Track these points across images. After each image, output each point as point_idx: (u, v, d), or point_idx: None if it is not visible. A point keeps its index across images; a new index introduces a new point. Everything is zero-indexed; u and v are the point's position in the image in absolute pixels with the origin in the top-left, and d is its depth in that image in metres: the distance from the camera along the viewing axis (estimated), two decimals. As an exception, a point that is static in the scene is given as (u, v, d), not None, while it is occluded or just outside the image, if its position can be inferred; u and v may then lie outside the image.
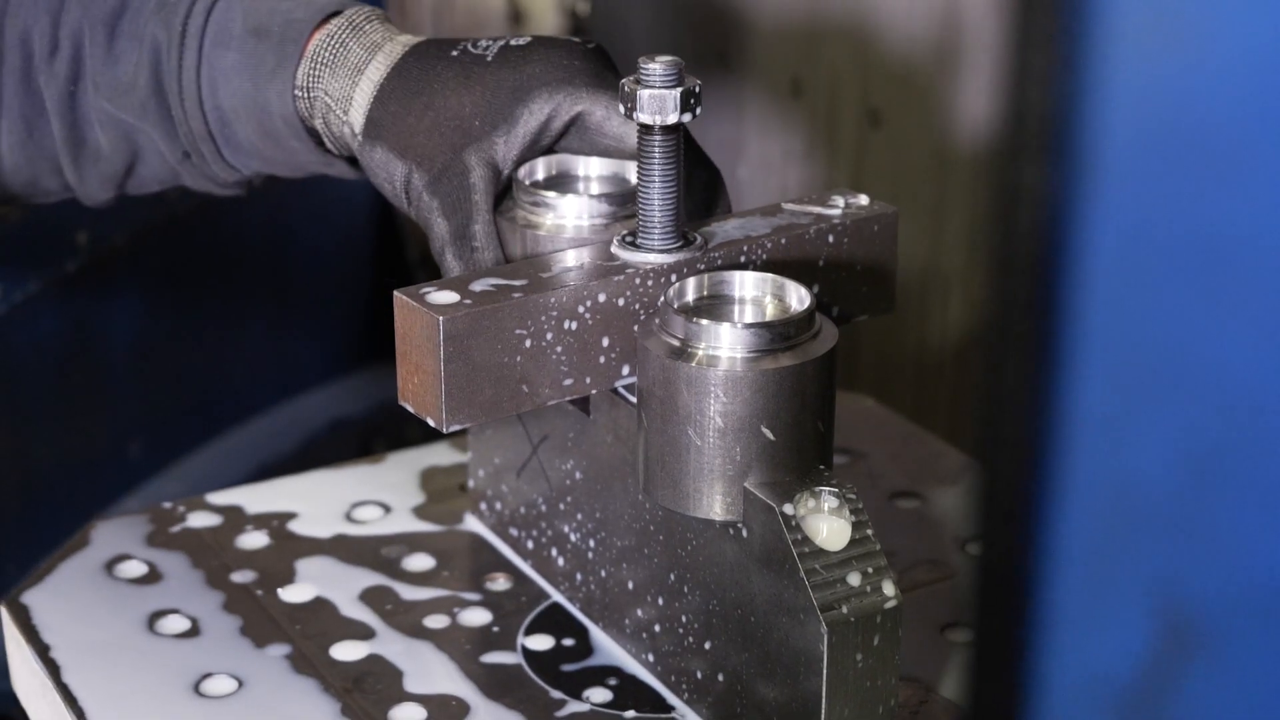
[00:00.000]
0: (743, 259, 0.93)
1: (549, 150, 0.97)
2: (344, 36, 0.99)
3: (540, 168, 0.97)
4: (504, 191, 0.97)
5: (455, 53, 0.98)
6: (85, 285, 1.54)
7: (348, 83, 0.98)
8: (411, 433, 1.86)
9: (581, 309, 0.89)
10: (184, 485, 1.64)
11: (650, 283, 0.90)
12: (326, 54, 0.99)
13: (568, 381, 0.89)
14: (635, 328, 0.90)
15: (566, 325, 0.89)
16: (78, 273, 1.51)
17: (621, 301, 0.90)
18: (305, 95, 0.99)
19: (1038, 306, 0.33)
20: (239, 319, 1.73)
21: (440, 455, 1.18)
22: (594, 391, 0.91)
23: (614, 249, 0.92)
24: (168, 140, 1.03)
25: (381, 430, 1.85)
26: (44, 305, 1.51)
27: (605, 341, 0.90)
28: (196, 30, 1.01)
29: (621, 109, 0.90)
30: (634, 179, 0.93)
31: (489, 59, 0.97)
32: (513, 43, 0.98)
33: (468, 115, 0.96)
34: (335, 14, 1.00)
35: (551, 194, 0.95)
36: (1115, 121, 0.32)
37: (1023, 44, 0.33)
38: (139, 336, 1.62)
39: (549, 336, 0.88)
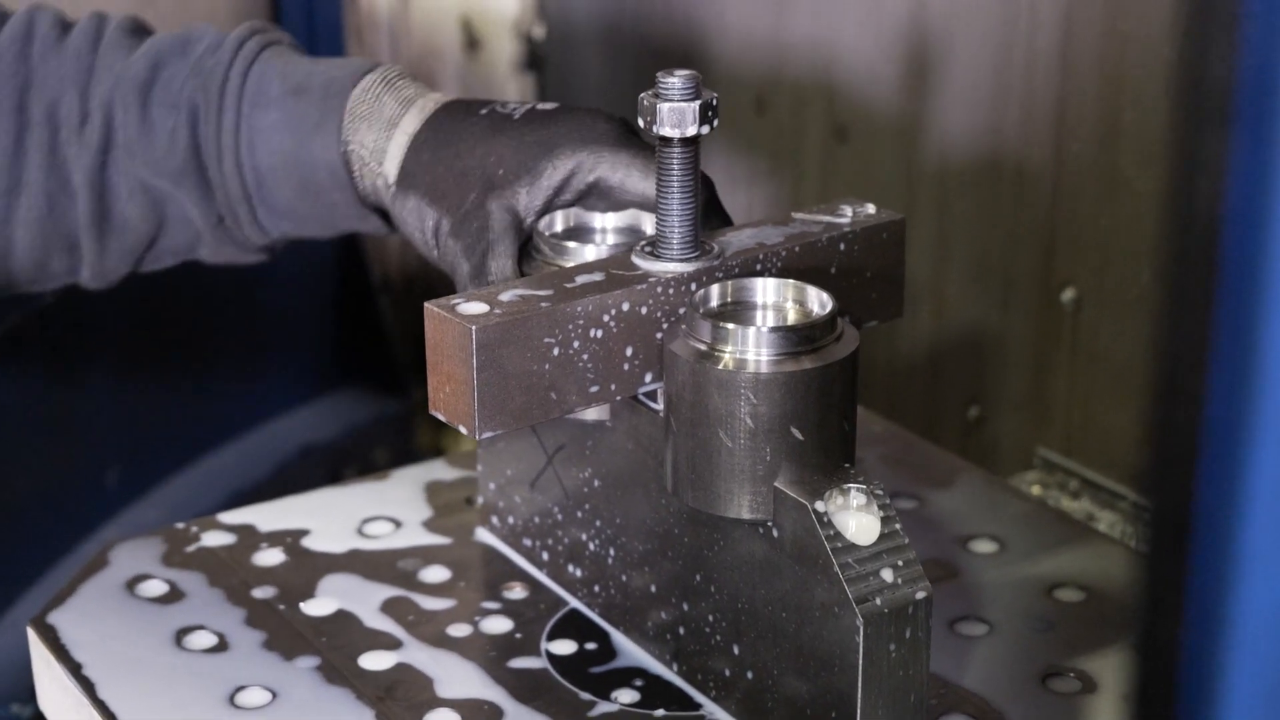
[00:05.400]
0: (759, 266, 0.95)
1: (570, 205, 1.01)
2: (379, 91, 1.04)
3: (559, 220, 1.00)
4: (525, 242, 1.00)
5: (484, 111, 1.02)
6: (62, 316, 1.54)
7: (382, 135, 1.02)
8: (380, 457, 1.87)
9: (606, 317, 0.91)
10: (161, 512, 1.65)
11: (671, 291, 0.93)
12: (362, 108, 1.03)
13: (594, 389, 0.92)
14: (659, 335, 0.92)
15: (592, 333, 0.91)
16: (55, 304, 1.52)
17: (644, 310, 0.92)
18: (343, 148, 1.03)
19: (1219, 266, 0.36)
20: (210, 347, 1.74)
21: (442, 471, 1.20)
22: (618, 398, 0.93)
23: (634, 259, 0.94)
24: (202, 205, 1.06)
25: (351, 455, 1.86)
26: (22, 335, 1.51)
27: (629, 350, 0.92)
28: (234, 92, 1.05)
29: (640, 122, 0.92)
30: (649, 229, 0.96)
31: (516, 117, 1.02)
32: (539, 106, 1.03)
33: (493, 165, 1.00)
34: (369, 71, 1.05)
35: (571, 243, 0.98)
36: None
37: (1204, 15, 0.36)
38: (114, 366, 1.62)
39: (576, 344, 0.90)
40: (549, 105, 1.03)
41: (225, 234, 1.07)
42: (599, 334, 0.91)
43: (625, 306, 0.92)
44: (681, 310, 0.92)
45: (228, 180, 1.05)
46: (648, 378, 0.93)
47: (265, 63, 1.06)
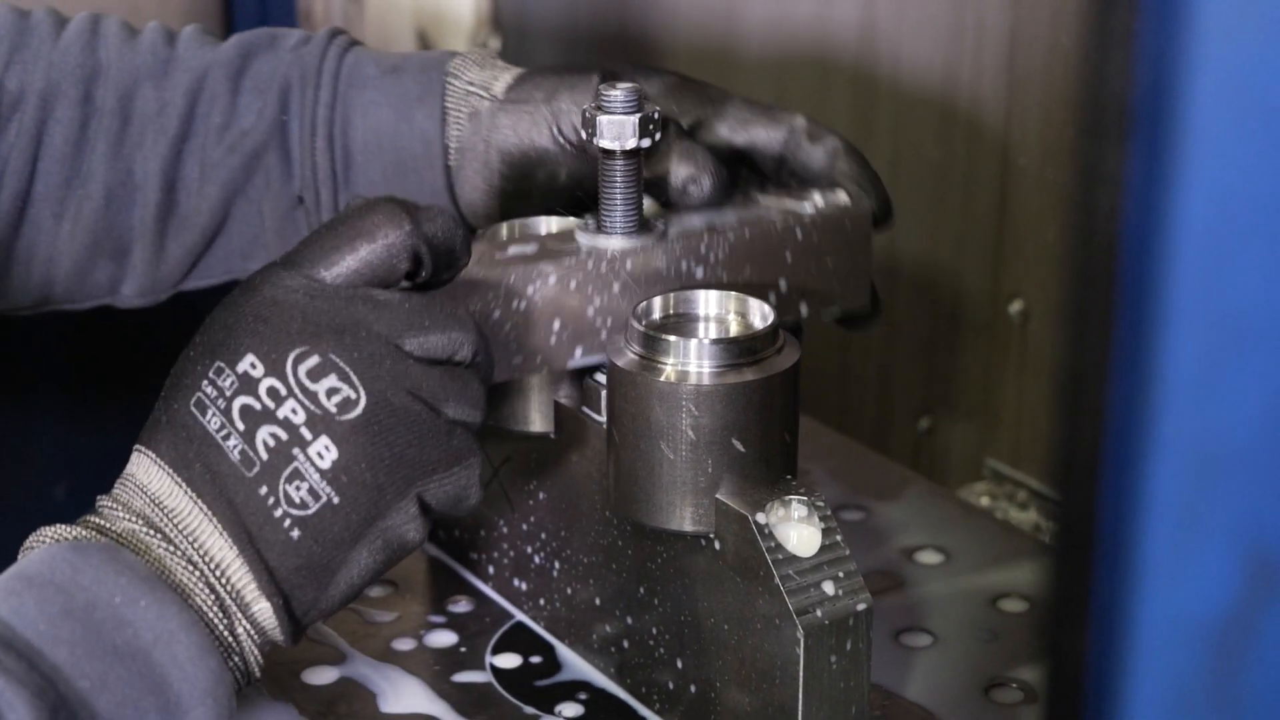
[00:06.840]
0: (703, 248, 0.95)
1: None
2: (477, 60, 1.07)
3: (504, 231, 1.01)
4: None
5: None
6: (8, 329, 1.53)
7: (490, 75, 1.05)
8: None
9: (530, 289, 0.91)
10: (111, 527, 1.64)
11: (604, 266, 0.92)
12: (463, 75, 1.05)
13: (517, 359, 0.92)
14: (590, 309, 0.92)
15: (515, 304, 0.91)
16: (1, 317, 1.51)
17: (573, 284, 0.92)
18: (453, 81, 1.05)
19: (1121, 279, 0.36)
20: (160, 360, 1.73)
21: (390, 483, 1.19)
22: (543, 370, 0.93)
23: (576, 233, 0.94)
24: (279, 184, 1.06)
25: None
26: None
27: (556, 323, 0.92)
28: (331, 71, 1.06)
29: (583, 134, 0.92)
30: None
31: None
32: None
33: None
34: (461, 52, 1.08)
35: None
36: (1201, 103, 0.35)
37: (1102, 31, 0.36)
38: (62, 379, 1.61)
39: (497, 314, 0.90)
40: None
41: (294, 224, 1.07)
42: (522, 305, 0.91)
43: (552, 279, 0.91)
44: (617, 288, 0.92)
45: (317, 157, 1.05)
46: (578, 352, 0.93)
47: (359, 51, 1.08)
